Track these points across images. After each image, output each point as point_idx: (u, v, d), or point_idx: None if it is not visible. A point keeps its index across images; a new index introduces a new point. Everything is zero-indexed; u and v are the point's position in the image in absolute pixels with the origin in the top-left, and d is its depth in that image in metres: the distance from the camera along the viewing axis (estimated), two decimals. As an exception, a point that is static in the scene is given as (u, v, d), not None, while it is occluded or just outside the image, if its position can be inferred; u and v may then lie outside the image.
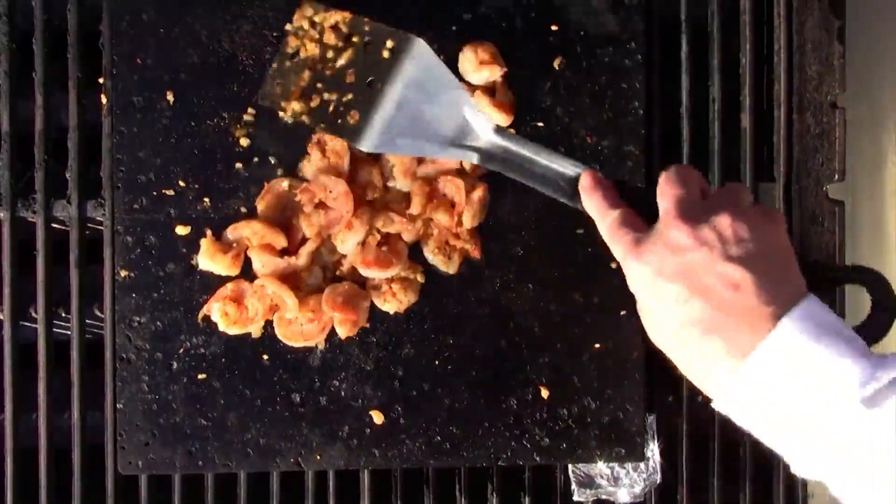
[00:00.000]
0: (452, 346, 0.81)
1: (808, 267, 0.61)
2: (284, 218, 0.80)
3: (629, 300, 0.82)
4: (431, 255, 0.81)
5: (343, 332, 0.79)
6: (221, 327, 0.79)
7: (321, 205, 0.79)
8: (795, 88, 0.86)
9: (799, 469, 0.58)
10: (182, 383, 0.80)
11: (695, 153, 0.85)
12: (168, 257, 0.80)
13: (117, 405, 0.80)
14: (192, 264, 0.80)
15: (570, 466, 0.85)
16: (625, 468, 0.84)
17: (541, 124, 0.81)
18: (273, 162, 0.80)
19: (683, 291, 0.57)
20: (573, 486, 0.85)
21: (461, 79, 0.80)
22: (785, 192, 0.86)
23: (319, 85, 0.76)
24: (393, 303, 0.80)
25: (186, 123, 0.80)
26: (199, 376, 0.80)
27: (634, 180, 0.81)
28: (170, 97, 0.80)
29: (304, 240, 0.80)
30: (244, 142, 0.80)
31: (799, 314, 0.56)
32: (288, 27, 0.78)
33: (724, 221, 0.58)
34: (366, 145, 0.73)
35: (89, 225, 0.84)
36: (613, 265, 0.82)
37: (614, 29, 0.82)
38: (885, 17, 0.86)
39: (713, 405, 0.59)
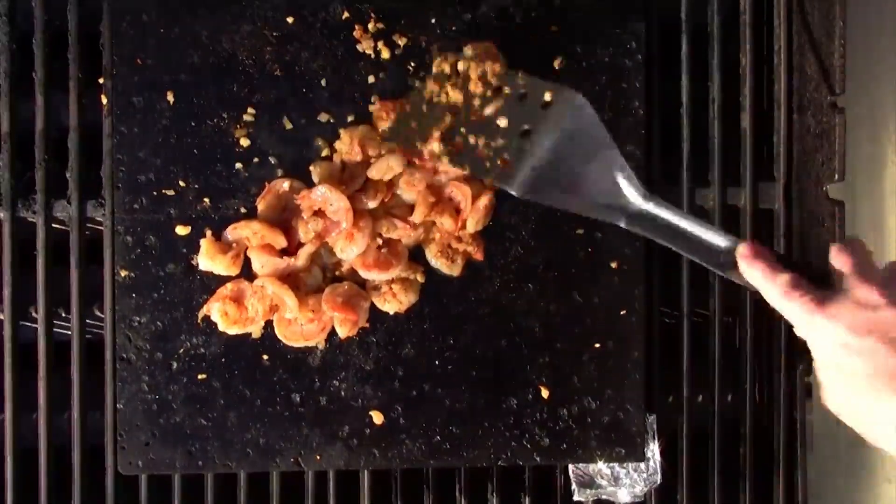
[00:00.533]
0: (452, 346, 0.81)
1: None
2: (283, 219, 0.80)
3: (629, 300, 0.83)
4: (434, 258, 0.81)
5: (343, 332, 0.79)
6: (221, 327, 0.79)
7: (320, 212, 0.79)
8: (795, 88, 0.86)
9: None
10: (182, 383, 0.80)
11: (695, 153, 0.85)
12: (168, 257, 0.80)
13: (117, 405, 0.80)
14: (192, 264, 0.80)
15: (570, 466, 0.85)
16: (625, 468, 0.84)
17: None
18: (273, 162, 0.80)
19: (877, 345, 0.59)
20: (573, 486, 0.85)
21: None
22: (785, 192, 0.86)
23: (463, 129, 0.75)
24: (393, 303, 0.80)
25: (186, 123, 0.80)
26: (199, 376, 0.80)
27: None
28: (170, 97, 0.80)
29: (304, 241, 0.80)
30: (244, 142, 0.80)
31: None
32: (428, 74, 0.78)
33: None
34: (517, 190, 0.72)
35: (89, 225, 0.84)
36: (613, 265, 0.82)
37: (614, 29, 0.82)
38: (884, 17, 0.86)
39: None
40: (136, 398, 0.80)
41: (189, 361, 0.80)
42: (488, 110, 0.75)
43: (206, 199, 0.80)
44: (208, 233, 0.79)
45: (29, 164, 0.83)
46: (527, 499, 0.85)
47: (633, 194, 0.70)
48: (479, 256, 0.81)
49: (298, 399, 0.81)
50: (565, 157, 0.72)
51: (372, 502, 0.84)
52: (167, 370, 0.80)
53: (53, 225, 0.84)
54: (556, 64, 0.81)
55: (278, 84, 0.80)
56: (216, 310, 0.79)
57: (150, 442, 0.81)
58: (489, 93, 0.76)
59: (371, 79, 0.80)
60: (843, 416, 0.62)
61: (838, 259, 0.63)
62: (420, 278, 0.81)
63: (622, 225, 0.70)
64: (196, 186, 0.80)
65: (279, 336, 0.80)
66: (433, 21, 0.81)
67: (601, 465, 0.84)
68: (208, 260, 0.79)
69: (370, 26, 0.80)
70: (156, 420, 0.80)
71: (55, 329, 0.84)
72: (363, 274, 0.80)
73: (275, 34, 0.80)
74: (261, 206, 0.80)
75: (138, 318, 0.80)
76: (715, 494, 0.85)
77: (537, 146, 0.72)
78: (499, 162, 0.73)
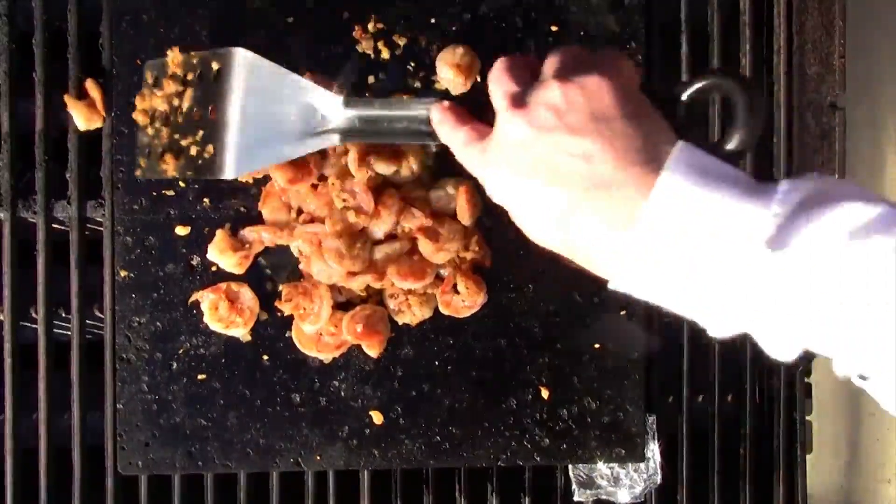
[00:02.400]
0: (452, 347, 0.81)
1: (652, 95, 0.56)
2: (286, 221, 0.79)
3: (629, 300, 0.82)
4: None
5: (374, 353, 0.79)
6: (206, 319, 0.79)
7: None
8: (795, 88, 0.86)
9: (715, 330, 0.53)
10: (182, 383, 0.80)
11: (695, 153, 0.85)
12: (168, 257, 0.80)
13: (117, 405, 0.80)
14: (192, 264, 0.80)
15: (570, 467, 0.85)
16: (625, 468, 0.84)
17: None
18: (273, 162, 0.80)
19: (542, 186, 0.53)
20: (573, 487, 0.85)
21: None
22: (785, 192, 0.86)
23: (177, 136, 0.71)
24: (407, 314, 0.80)
25: (186, 123, 0.80)
26: (199, 376, 0.80)
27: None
28: (170, 97, 0.80)
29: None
30: (244, 142, 0.80)
31: (674, 165, 0.50)
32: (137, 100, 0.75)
33: (552, 94, 0.53)
34: (227, 173, 0.68)
35: (89, 225, 0.84)
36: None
37: (614, 29, 0.82)
38: (884, 18, 0.86)
39: (610, 287, 0.54)
40: (136, 398, 0.80)
41: (189, 362, 0.80)
42: (185, 104, 0.72)
43: (206, 200, 0.80)
44: (227, 226, 0.79)
45: (29, 165, 0.83)
46: (527, 499, 0.85)
47: (331, 106, 0.68)
48: (487, 262, 0.80)
49: (298, 399, 0.81)
50: (256, 115, 0.68)
51: (372, 502, 0.84)
52: (167, 370, 0.80)
53: (53, 225, 0.84)
54: (556, 64, 0.81)
55: (278, 84, 0.80)
56: (208, 300, 0.79)
57: (150, 442, 0.81)
58: (181, 87, 0.72)
59: (371, 79, 0.80)
60: (553, 249, 0.56)
61: (491, 94, 0.57)
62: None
63: (337, 143, 0.68)
64: (196, 186, 0.80)
65: (294, 338, 0.80)
66: (433, 21, 0.81)
67: (601, 466, 0.84)
68: (218, 252, 0.78)
69: (370, 26, 0.80)
70: (156, 420, 0.80)
71: (55, 329, 0.84)
72: (399, 284, 0.78)
73: (275, 34, 0.80)
74: (264, 211, 0.79)
75: (138, 319, 0.80)
76: (715, 494, 0.85)
77: (226, 120, 0.68)
78: (206, 154, 0.69)
